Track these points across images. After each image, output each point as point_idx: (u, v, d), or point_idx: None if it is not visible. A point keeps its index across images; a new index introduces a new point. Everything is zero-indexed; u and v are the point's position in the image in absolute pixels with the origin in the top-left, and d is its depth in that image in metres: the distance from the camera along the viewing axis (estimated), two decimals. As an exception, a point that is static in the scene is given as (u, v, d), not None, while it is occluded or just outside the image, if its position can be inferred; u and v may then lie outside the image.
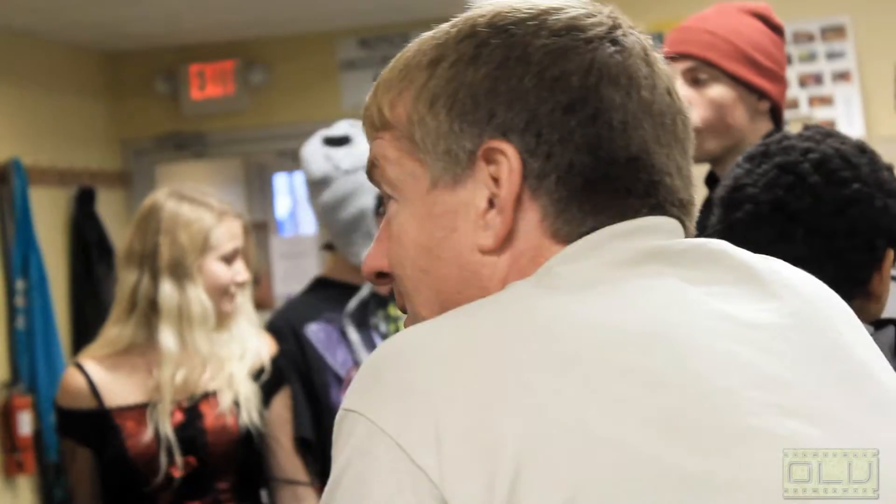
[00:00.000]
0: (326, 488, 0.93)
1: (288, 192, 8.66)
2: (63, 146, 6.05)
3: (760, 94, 2.45)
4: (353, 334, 2.91)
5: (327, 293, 2.99)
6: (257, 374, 2.81)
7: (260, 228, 7.00)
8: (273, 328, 2.97)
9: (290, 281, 6.73)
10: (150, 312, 2.74)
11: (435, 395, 0.90)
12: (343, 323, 2.94)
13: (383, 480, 0.89)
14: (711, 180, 2.55)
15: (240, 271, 2.80)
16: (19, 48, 5.80)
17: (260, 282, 6.46)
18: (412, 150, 1.06)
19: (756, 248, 1.60)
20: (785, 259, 1.60)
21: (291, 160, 7.36)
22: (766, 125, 2.47)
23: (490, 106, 1.02)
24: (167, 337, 2.71)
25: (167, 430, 2.69)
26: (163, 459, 2.67)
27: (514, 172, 1.01)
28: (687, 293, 0.98)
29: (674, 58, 2.48)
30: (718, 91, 2.44)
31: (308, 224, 8.16)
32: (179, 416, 2.72)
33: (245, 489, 2.81)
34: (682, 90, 2.43)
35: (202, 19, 6.04)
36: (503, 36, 1.04)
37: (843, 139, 1.66)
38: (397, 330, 2.58)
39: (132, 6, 5.58)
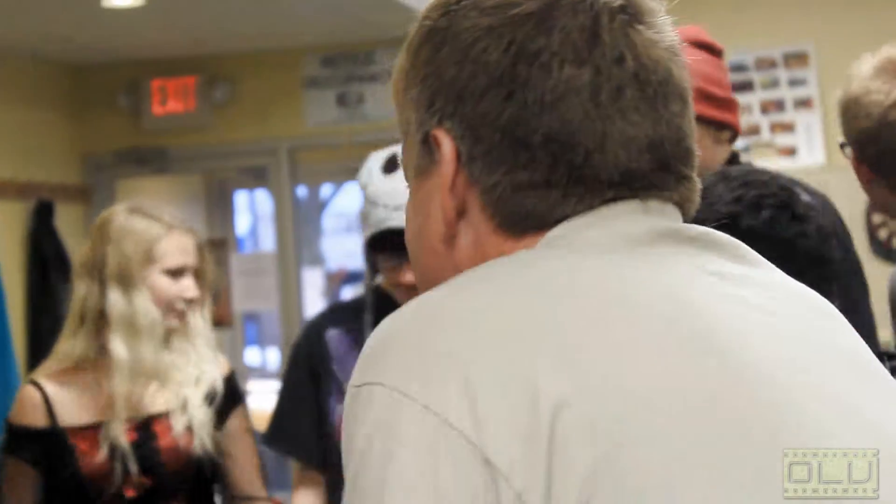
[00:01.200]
0: (347, 478, 0.86)
1: (248, 209, 8.63)
2: (23, 159, 5.99)
3: (720, 126, 2.45)
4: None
5: (367, 301, 2.86)
6: (211, 399, 2.76)
7: (220, 245, 6.96)
8: (305, 326, 2.95)
9: (250, 298, 6.70)
10: (99, 324, 2.70)
11: (461, 354, 0.85)
12: (365, 334, 2.88)
13: (415, 451, 0.81)
14: None
15: (188, 287, 2.73)
16: (-20, 59, 5.76)
17: (219, 298, 6.42)
18: (405, 139, 1.06)
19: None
20: None
21: (253, 177, 7.35)
22: (726, 150, 2.48)
23: (430, 92, 1.01)
24: (118, 346, 2.66)
25: (124, 445, 2.64)
26: (117, 477, 2.63)
27: (448, 162, 0.99)
28: (701, 273, 0.97)
29: None
30: None
31: (268, 241, 8.13)
32: (133, 435, 2.67)
33: None
34: None
35: (165, 34, 6.01)
36: (444, 18, 1.02)
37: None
38: None
39: (95, 20, 5.54)
